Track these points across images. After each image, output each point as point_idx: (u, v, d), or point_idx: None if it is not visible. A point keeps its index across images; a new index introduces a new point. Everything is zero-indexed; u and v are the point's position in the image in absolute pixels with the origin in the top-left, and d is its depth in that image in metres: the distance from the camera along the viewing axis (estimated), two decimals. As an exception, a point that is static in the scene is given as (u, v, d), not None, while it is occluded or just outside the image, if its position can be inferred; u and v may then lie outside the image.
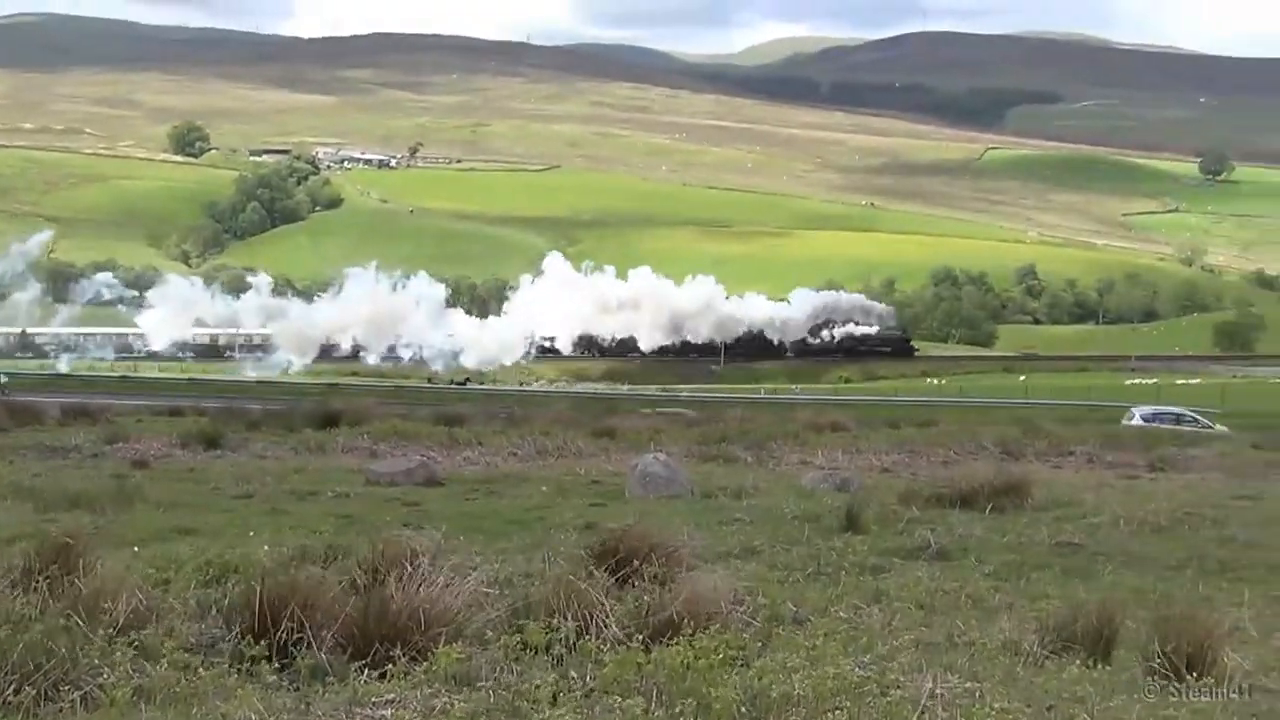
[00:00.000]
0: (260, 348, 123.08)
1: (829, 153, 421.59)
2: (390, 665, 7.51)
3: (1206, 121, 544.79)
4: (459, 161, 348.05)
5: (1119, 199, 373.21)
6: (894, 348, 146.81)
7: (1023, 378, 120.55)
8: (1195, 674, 7.92)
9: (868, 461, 25.21)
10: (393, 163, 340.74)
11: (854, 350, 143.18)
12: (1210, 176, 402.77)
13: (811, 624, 9.19)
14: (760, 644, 8.35)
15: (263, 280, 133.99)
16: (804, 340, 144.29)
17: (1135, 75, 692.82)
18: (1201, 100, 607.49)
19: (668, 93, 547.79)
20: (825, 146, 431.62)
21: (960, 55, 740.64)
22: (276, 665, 7.52)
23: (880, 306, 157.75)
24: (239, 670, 7.49)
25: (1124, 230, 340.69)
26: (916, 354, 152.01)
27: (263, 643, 7.75)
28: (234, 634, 8.04)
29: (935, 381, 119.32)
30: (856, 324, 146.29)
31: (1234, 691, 7.84)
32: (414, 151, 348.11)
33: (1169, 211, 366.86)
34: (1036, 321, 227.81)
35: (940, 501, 16.55)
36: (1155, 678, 7.99)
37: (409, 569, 8.71)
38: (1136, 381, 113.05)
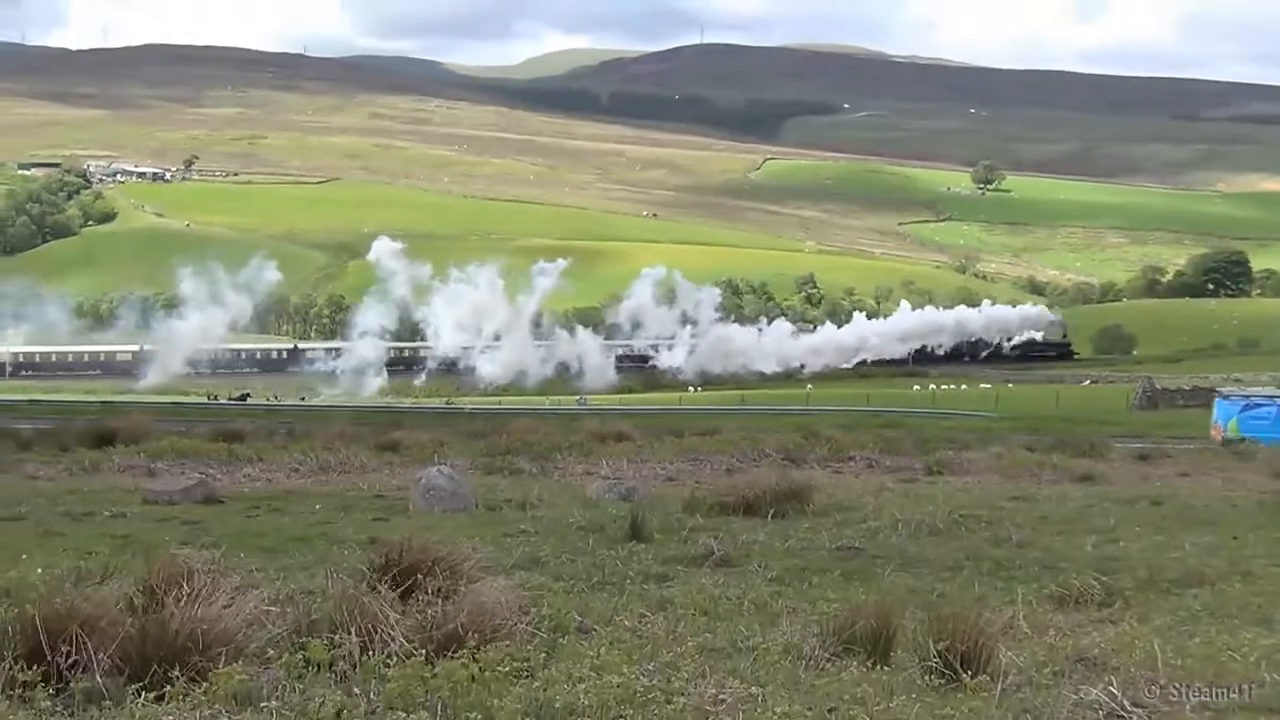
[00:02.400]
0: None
1: (610, 164, 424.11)
2: (169, 687, 7.34)
3: (977, 132, 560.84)
4: (235, 175, 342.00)
5: (895, 208, 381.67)
6: (1057, 352, 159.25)
7: (810, 386, 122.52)
8: (971, 672, 8.13)
9: (652, 470, 25.33)
10: (167, 176, 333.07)
11: (1025, 355, 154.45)
12: (982, 186, 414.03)
13: (596, 634, 9.22)
14: (545, 655, 8.35)
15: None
16: (996, 346, 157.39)
17: (908, 87, 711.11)
18: (972, 111, 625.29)
19: (448, 104, 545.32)
20: (606, 158, 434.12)
21: (737, 67, 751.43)
22: (51, 690, 7.31)
23: (1051, 316, 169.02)
24: (11, 697, 7.26)
25: (900, 239, 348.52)
26: (1076, 356, 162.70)
27: (37, 668, 7.51)
28: (6, 660, 7.77)
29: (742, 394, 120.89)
30: (1032, 332, 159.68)
31: (1008, 688, 8.07)
32: (189, 164, 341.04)
33: (943, 220, 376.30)
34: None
35: (724, 509, 16.72)
36: (932, 677, 8.19)
37: (187, 588, 8.53)
38: (916, 388, 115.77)
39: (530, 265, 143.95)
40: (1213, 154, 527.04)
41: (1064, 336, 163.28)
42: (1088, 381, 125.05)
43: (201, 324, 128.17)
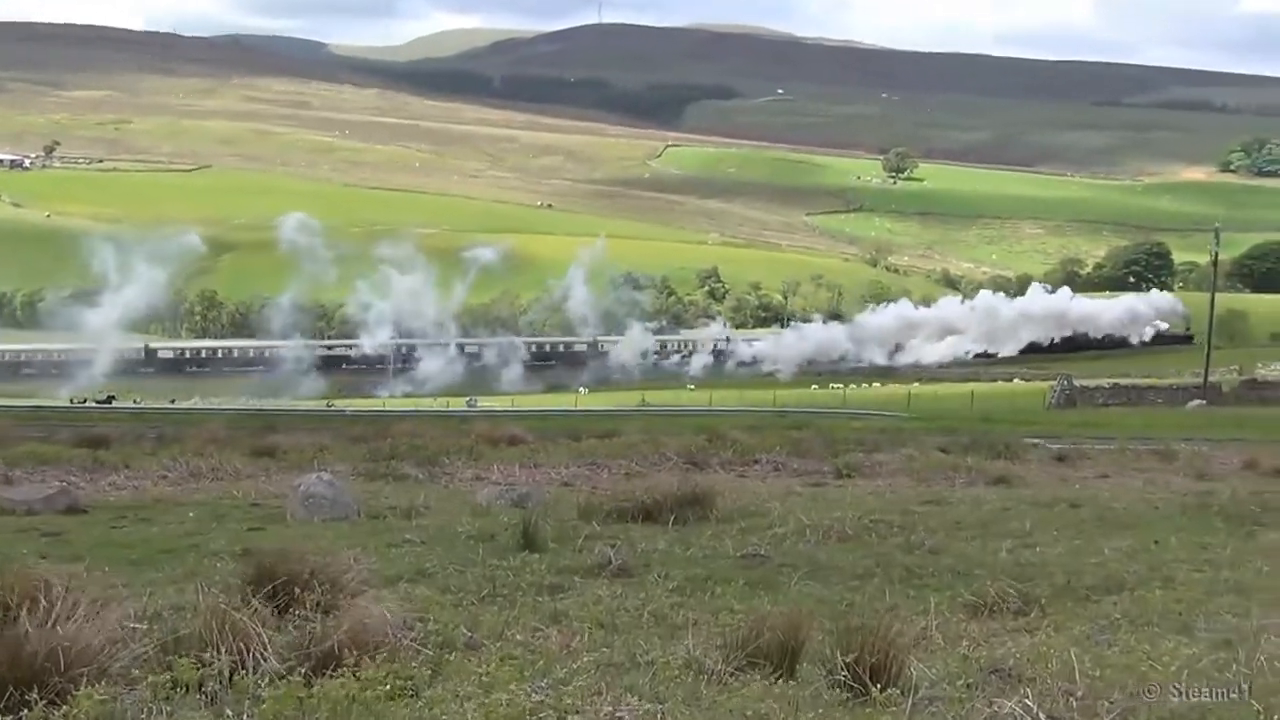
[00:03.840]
0: None
1: (502, 151, 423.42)
2: (25, 711, 7.22)
3: (889, 118, 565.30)
4: (100, 161, 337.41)
5: (802, 199, 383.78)
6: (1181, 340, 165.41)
7: (691, 387, 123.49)
8: (880, 685, 8.17)
9: (546, 475, 25.30)
10: (26, 163, 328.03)
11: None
12: (894, 175, 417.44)
13: (486, 649, 9.19)
14: (431, 672, 8.30)
15: None
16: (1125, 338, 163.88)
17: (816, 70, 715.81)
18: (884, 96, 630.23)
19: (329, 87, 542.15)
20: (498, 144, 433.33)
21: (636, 49, 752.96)
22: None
23: (1181, 307, 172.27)
24: None
25: (808, 231, 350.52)
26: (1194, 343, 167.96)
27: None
28: None
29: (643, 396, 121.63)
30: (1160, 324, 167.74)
31: (919, 702, 8.12)
32: (50, 151, 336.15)
33: (853, 211, 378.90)
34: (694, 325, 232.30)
35: (622, 515, 16.72)
36: (840, 691, 8.23)
37: (45, 605, 8.40)
38: (836, 388, 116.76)
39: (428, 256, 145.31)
40: (1134, 142, 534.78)
41: (1187, 329, 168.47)
42: (1016, 380, 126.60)
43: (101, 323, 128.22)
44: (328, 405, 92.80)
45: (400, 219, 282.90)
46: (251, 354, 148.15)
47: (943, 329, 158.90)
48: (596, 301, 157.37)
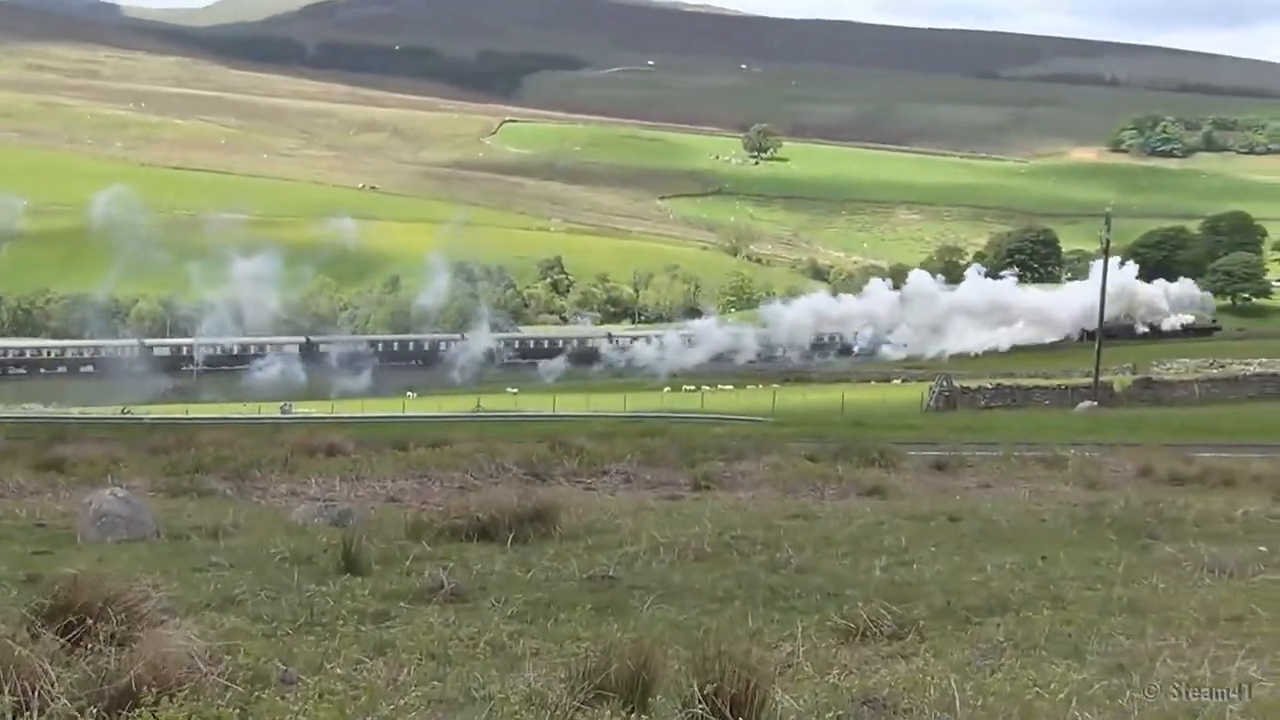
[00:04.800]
0: None
1: (319, 127, 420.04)
2: None
3: (751, 91, 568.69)
4: None
5: (655, 181, 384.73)
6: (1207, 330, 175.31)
7: (512, 391, 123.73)
8: (743, 718, 8.23)
9: (370, 490, 25.13)
10: None
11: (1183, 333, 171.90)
12: (756, 154, 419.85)
13: (303, 684, 9.11)
14: (240, 711, 8.23)
15: None
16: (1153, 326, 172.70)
17: (671, 38, 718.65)
18: (744, 67, 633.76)
19: (122, 54, 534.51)
20: (314, 119, 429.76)
21: (469, 13, 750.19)
22: None
23: (1211, 300, 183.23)
24: None
25: (661, 216, 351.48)
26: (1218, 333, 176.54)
27: None
28: None
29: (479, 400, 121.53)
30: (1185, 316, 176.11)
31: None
32: None
33: (711, 194, 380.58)
34: (564, 321, 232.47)
35: (455, 534, 16.65)
36: (697, 724, 8.27)
37: None
38: (691, 389, 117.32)
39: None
40: (1017, 118, 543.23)
41: (1214, 320, 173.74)
42: (897, 381, 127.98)
43: None
44: (123, 412, 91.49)
45: (203, 203, 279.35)
46: (70, 354, 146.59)
47: (868, 320, 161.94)
48: (433, 296, 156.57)
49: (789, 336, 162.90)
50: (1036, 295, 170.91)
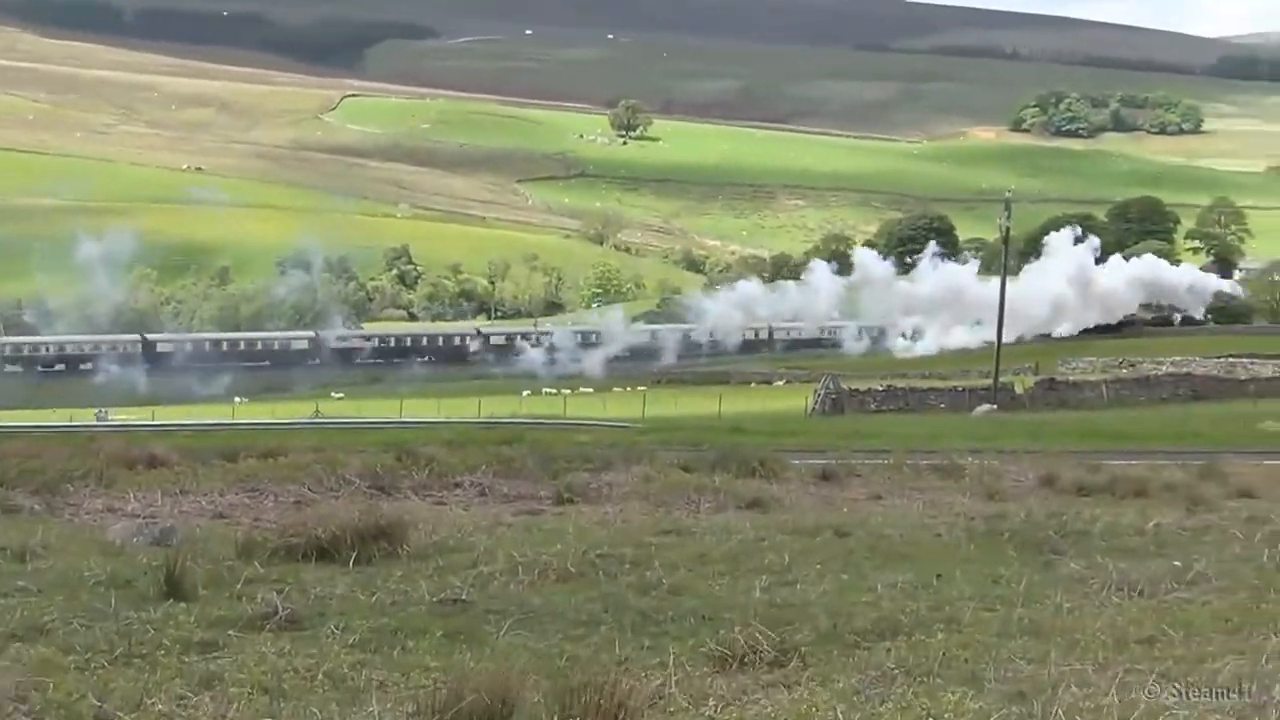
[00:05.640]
0: None
1: (139, 101, 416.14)
2: None
3: (618, 64, 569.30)
4: None
5: (513, 162, 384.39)
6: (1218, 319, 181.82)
7: (338, 396, 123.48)
8: (607, 754, 8.24)
9: (197, 505, 24.91)
10: None
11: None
12: (624, 134, 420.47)
13: (121, 722, 9.04)
14: (50, 754, 8.15)
15: None
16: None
17: (530, 5, 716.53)
18: (610, 37, 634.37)
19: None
20: (133, 93, 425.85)
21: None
22: None
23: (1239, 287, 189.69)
24: None
25: (519, 201, 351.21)
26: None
27: None
28: None
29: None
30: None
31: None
32: None
33: (575, 177, 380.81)
34: (413, 317, 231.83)
35: (291, 553, 16.54)
36: (560, 762, 8.27)
37: None
38: (552, 392, 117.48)
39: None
40: (910, 95, 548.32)
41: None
42: (780, 383, 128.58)
43: None
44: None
45: (10, 185, 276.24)
46: None
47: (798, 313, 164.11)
48: (258, 290, 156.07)
49: (717, 333, 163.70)
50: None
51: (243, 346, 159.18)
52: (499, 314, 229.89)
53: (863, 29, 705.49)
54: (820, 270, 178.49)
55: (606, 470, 31.19)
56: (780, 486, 28.86)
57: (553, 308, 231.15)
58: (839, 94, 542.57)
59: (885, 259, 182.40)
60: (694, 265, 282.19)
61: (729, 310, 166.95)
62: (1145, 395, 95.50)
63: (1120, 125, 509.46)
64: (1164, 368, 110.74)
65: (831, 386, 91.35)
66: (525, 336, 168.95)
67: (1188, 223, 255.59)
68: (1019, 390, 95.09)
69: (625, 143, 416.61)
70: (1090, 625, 12.97)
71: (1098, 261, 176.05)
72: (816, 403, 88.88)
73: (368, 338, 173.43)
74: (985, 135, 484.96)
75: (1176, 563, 16.64)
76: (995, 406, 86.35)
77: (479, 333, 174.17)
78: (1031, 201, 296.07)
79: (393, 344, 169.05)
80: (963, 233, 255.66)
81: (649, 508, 24.75)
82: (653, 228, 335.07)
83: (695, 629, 12.77)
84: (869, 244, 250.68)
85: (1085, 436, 55.91)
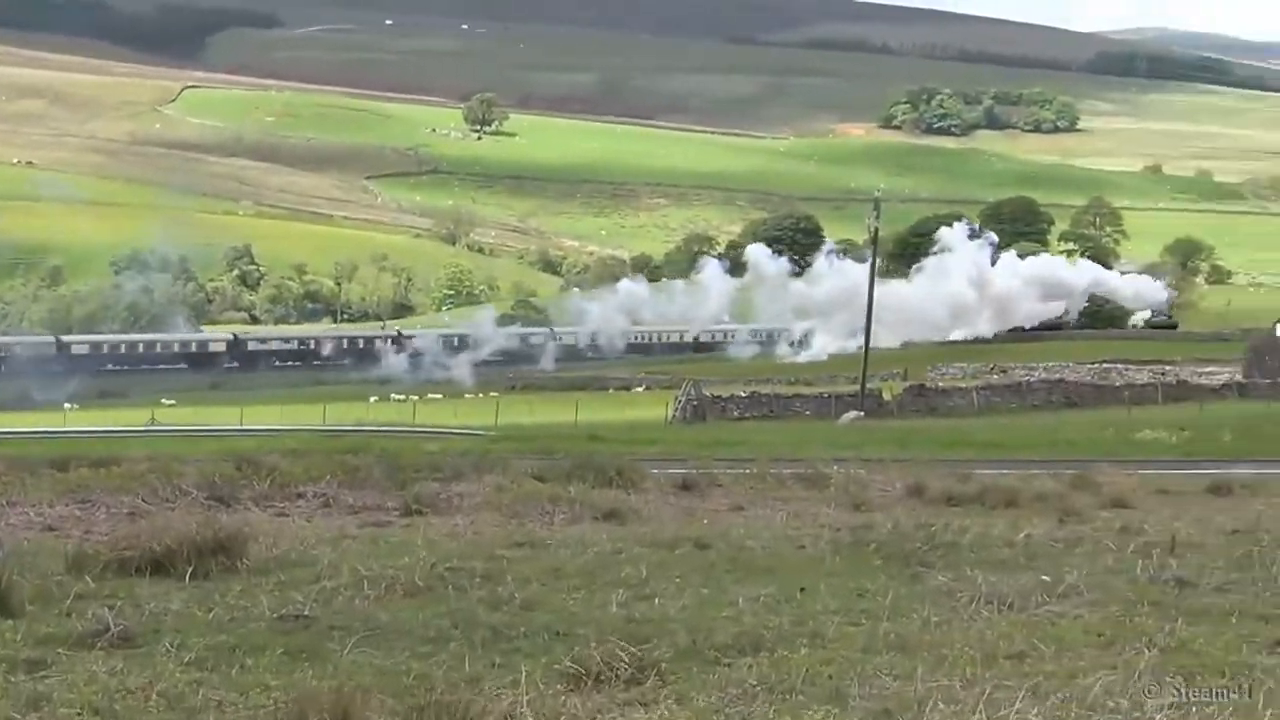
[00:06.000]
0: None
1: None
2: None
3: (473, 56, 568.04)
4: None
5: (361, 158, 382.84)
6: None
7: (169, 402, 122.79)
8: (457, 776, 8.24)
9: (24, 517, 24.60)
10: None
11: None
12: (478, 128, 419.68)
13: (-61, 748, 8.94)
14: None
15: None
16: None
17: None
18: (465, 28, 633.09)
19: None
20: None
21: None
22: None
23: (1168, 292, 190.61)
24: None
25: (368, 199, 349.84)
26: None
27: None
28: None
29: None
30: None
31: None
32: None
33: (426, 174, 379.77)
34: (255, 319, 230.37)
35: (124, 568, 16.38)
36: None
37: None
38: (400, 399, 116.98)
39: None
40: (776, 90, 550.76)
41: (1169, 315, 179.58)
42: (642, 388, 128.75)
43: None
44: None
45: None
46: None
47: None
48: (91, 292, 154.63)
49: (600, 336, 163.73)
50: (902, 288, 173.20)
51: (159, 349, 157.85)
52: (345, 317, 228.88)
53: (729, 21, 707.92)
54: (711, 270, 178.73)
55: (457, 480, 31.12)
56: (639, 497, 28.88)
57: (402, 310, 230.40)
58: (703, 88, 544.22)
59: (779, 256, 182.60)
60: (550, 266, 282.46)
61: (611, 313, 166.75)
62: (1017, 402, 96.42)
63: (994, 123, 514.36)
64: (1036, 374, 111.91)
65: (693, 393, 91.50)
66: (394, 340, 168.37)
67: (1062, 224, 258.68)
68: (887, 397, 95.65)
69: (480, 138, 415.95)
70: (958, 640, 13.05)
71: (993, 261, 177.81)
72: (677, 410, 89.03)
73: (286, 340, 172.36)
74: (855, 132, 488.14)
75: (1047, 575, 16.75)
76: (862, 413, 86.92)
77: (400, 335, 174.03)
78: (902, 201, 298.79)
79: (313, 346, 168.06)
80: (831, 234, 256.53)
81: (501, 519, 24.72)
82: (508, 227, 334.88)
83: (549, 645, 12.77)
84: (733, 244, 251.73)
85: (955, 445, 56.45)
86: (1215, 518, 23.79)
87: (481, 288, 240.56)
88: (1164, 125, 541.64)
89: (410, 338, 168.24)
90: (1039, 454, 51.47)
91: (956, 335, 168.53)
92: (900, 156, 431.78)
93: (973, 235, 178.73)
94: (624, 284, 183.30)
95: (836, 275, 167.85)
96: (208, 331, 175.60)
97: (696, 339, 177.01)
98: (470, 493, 28.47)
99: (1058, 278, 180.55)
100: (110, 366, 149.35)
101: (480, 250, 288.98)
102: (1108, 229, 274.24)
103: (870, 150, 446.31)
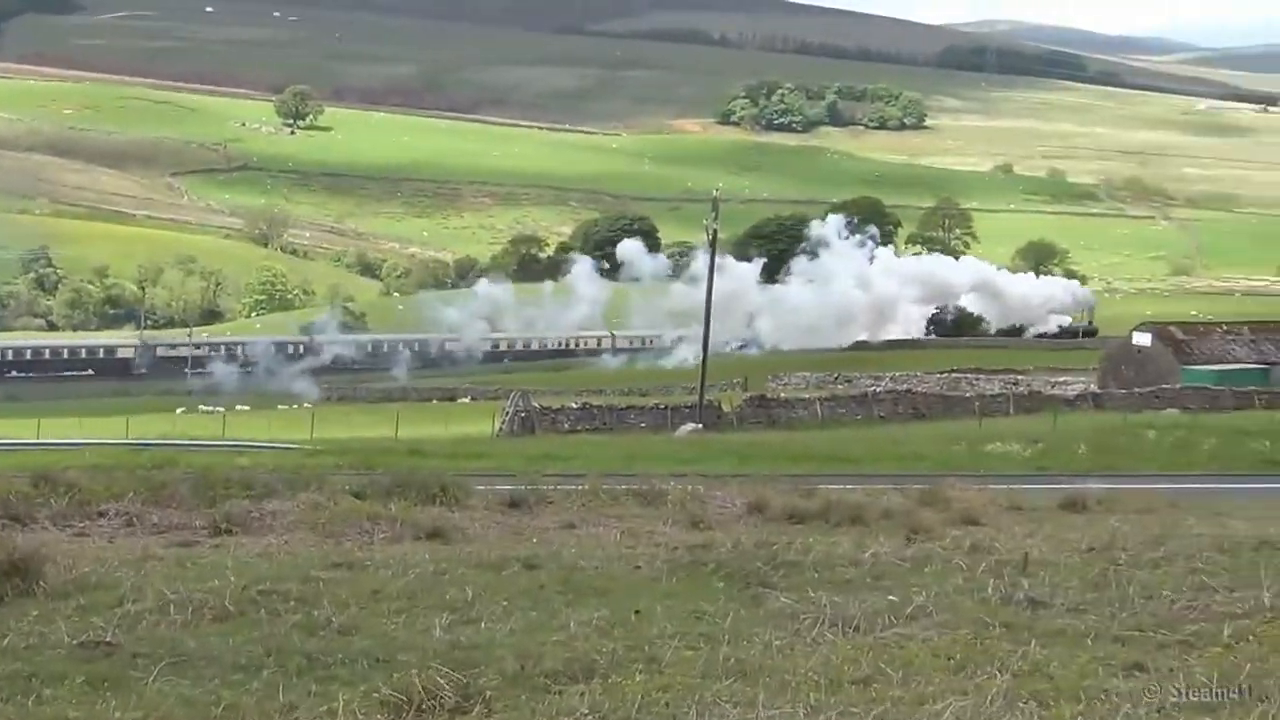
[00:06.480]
0: None
1: None
2: None
3: (284, 45, 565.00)
4: None
5: (167, 153, 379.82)
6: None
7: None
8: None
9: None
10: None
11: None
12: (292, 123, 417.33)
13: None
14: None
15: None
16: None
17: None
18: (277, 14, 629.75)
19: None
20: None
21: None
22: None
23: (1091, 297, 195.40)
24: None
25: (174, 198, 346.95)
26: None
27: None
28: None
29: None
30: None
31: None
32: None
33: (237, 170, 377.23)
34: (52, 326, 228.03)
35: (-91, 594, 16.20)
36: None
37: None
38: (208, 410, 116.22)
39: None
40: (608, 83, 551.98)
41: (1090, 321, 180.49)
42: (466, 399, 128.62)
43: None
44: None
45: None
46: None
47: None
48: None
49: (458, 343, 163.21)
50: (785, 291, 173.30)
51: (66, 355, 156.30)
52: (150, 323, 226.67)
53: (556, 10, 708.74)
54: (583, 270, 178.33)
55: (269, 497, 30.92)
56: (464, 515, 28.84)
57: (211, 316, 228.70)
58: (530, 81, 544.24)
59: (655, 255, 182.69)
60: (369, 269, 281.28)
61: (470, 319, 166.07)
62: (862, 414, 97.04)
63: (838, 119, 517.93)
64: (883, 384, 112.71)
65: (521, 404, 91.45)
66: (228, 348, 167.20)
67: (910, 225, 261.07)
68: (726, 408, 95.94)
69: (293, 133, 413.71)
70: (802, 665, 13.11)
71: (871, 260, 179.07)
72: (504, 422, 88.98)
73: (197, 345, 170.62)
74: (691, 128, 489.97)
75: (894, 596, 16.84)
76: (700, 426, 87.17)
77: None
78: (742, 202, 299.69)
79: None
80: (667, 235, 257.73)
81: (317, 539, 24.61)
82: (323, 228, 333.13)
83: (368, 672, 12.73)
84: (563, 246, 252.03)
85: (798, 458, 56.85)
86: (1069, 535, 23.92)
87: (296, 292, 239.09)
88: (1015, 123, 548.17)
89: (240, 345, 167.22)
90: (886, 468, 51.98)
91: (894, 334, 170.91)
92: (739, 154, 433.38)
93: (851, 230, 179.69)
94: (483, 286, 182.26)
95: (719, 277, 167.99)
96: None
97: (566, 345, 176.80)
98: (284, 511, 28.30)
99: (939, 278, 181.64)
100: None
101: (294, 252, 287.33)
102: (957, 231, 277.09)
103: (707, 147, 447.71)
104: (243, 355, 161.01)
